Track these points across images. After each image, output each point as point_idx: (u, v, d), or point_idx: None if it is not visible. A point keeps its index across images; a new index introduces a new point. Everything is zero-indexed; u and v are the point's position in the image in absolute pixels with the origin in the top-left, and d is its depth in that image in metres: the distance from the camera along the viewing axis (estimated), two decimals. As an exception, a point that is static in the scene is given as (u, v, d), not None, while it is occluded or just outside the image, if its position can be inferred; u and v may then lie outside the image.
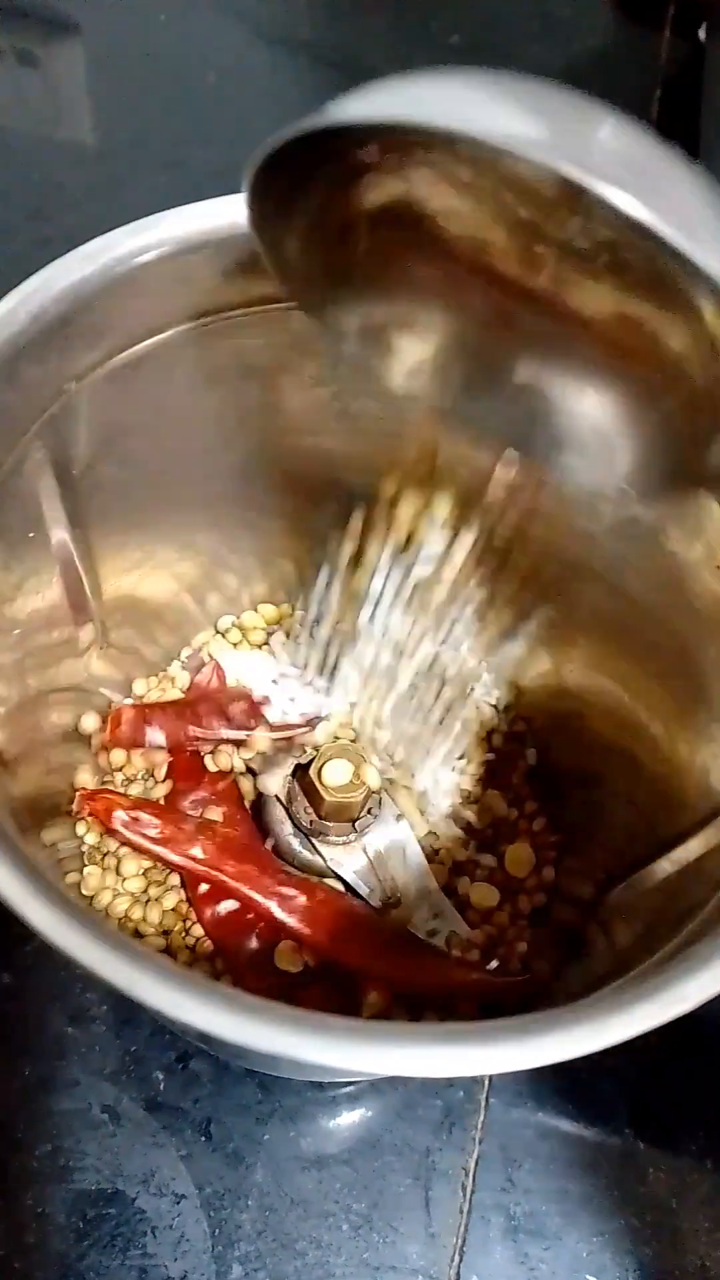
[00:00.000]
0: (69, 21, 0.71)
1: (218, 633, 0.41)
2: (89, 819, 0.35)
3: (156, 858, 0.34)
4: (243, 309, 0.27)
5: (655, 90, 0.70)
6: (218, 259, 0.25)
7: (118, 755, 0.37)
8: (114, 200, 0.60)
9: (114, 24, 0.72)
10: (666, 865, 0.28)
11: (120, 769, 0.37)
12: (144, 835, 0.34)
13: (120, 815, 0.34)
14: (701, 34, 0.70)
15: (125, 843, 0.34)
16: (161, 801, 0.37)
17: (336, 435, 0.33)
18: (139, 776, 0.38)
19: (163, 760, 0.37)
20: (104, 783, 0.37)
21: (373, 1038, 0.17)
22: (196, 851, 0.34)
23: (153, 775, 0.38)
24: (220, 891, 0.34)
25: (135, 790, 0.38)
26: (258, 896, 0.34)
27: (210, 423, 0.31)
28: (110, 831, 0.34)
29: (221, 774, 0.37)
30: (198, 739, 0.37)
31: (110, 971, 0.17)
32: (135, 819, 0.34)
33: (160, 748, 0.37)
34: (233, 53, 0.70)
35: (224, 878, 0.34)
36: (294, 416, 0.33)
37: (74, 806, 0.35)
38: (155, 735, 0.36)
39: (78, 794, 0.35)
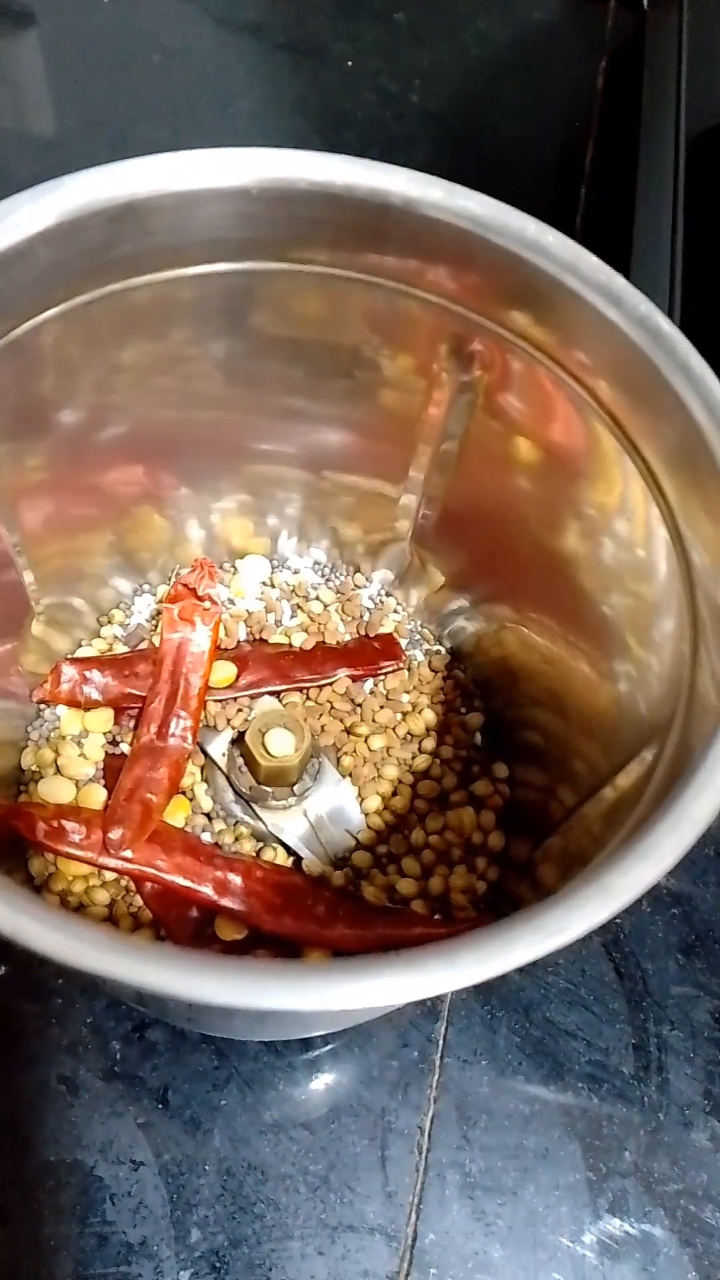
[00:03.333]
0: (25, 11, 0.71)
1: (160, 604, 0.41)
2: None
3: (88, 863, 0.34)
4: (145, 275, 0.27)
5: (601, 62, 0.70)
6: (120, 225, 0.25)
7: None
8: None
9: (62, 10, 0.71)
10: (591, 810, 0.28)
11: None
12: (69, 843, 0.33)
13: (41, 827, 0.33)
14: (645, 3, 0.70)
15: (52, 853, 0.34)
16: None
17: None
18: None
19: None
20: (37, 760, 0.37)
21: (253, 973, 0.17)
22: (126, 852, 0.33)
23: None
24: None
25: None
26: (195, 885, 0.33)
27: (125, 390, 0.31)
28: (35, 844, 0.34)
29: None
30: (136, 697, 0.37)
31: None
32: (58, 828, 0.33)
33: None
34: (178, 33, 0.70)
35: (158, 874, 0.34)
36: (205, 383, 0.33)
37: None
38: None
39: None
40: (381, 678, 0.40)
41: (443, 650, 0.42)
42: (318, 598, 0.42)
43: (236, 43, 0.70)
